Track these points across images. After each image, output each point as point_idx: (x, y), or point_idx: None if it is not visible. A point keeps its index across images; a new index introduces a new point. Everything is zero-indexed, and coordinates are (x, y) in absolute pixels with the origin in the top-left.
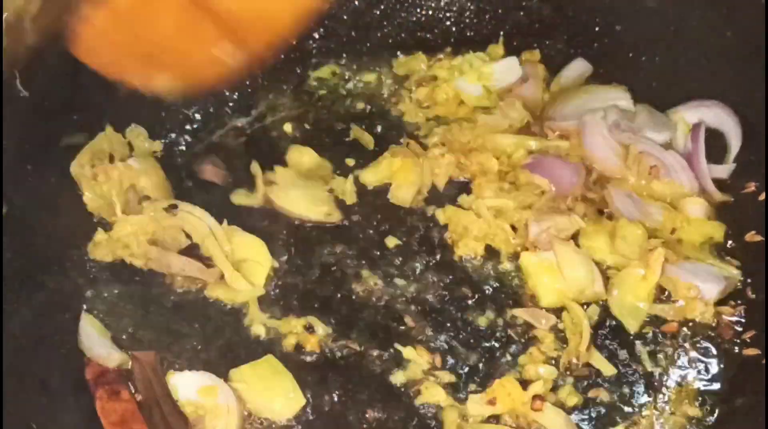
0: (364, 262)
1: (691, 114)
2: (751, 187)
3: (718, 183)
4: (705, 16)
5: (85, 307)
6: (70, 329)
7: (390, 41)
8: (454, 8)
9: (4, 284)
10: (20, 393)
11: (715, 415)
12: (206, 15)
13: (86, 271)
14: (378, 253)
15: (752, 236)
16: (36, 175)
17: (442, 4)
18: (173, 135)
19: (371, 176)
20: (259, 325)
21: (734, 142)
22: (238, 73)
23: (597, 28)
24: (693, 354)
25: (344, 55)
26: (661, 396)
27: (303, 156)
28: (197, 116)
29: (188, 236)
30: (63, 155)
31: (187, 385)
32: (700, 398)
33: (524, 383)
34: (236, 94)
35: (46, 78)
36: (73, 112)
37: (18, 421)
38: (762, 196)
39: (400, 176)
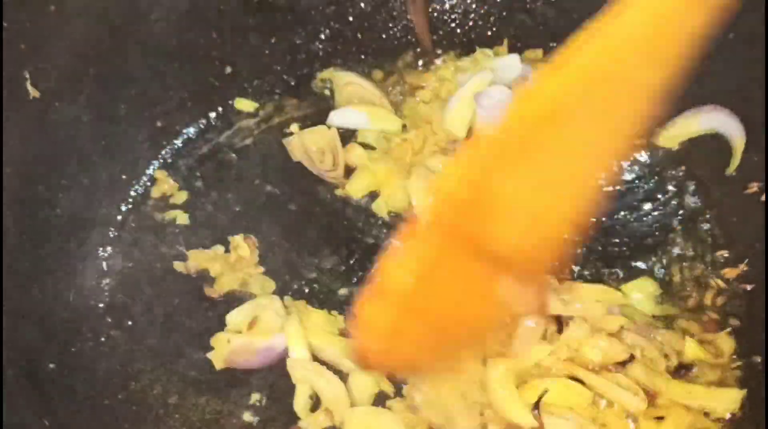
0: None
1: (694, 121)
2: (754, 187)
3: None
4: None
5: None
6: None
7: (395, 43)
8: (459, 11)
9: None
10: None
11: None
12: (492, 267)
13: None
14: None
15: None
16: None
17: (447, 6)
18: (181, 137)
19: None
20: None
21: (738, 145)
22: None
23: None
24: None
25: (350, 57)
26: None
27: None
28: (203, 119)
29: None
30: None
31: None
32: None
33: None
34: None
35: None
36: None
37: None
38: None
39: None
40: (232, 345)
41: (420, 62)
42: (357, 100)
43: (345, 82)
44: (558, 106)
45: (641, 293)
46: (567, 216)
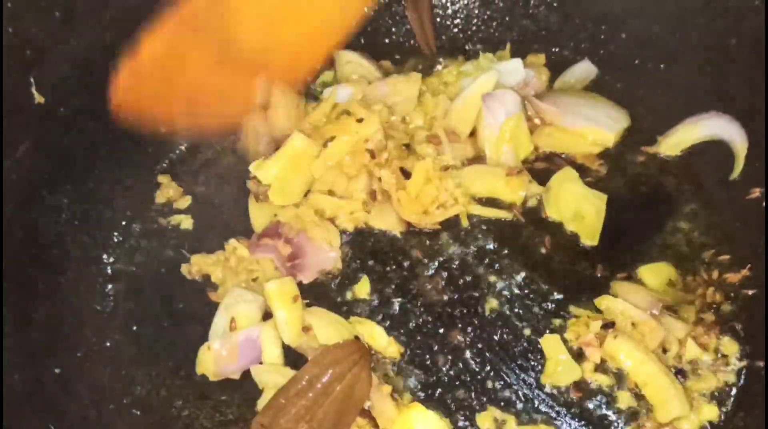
0: None
1: (697, 127)
2: (756, 192)
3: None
4: (709, 25)
5: None
6: None
7: (399, 47)
8: (462, 15)
9: None
10: None
11: None
12: (235, 60)
13: None
14: None
15: None
16: None
17: (450, 12)
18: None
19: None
20: None
21: (741, 150)
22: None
23: (603, 36)
24: None
25: None
26: None
27: None
28: None
29: None
30: None
31: None
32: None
33: None
34: None
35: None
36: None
37: None
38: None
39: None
40: (213, 351)
41: (420, 67)
42: (356, 76)
43: (345, 60)
44: None
45: (657, 278)
46: (312, 28)
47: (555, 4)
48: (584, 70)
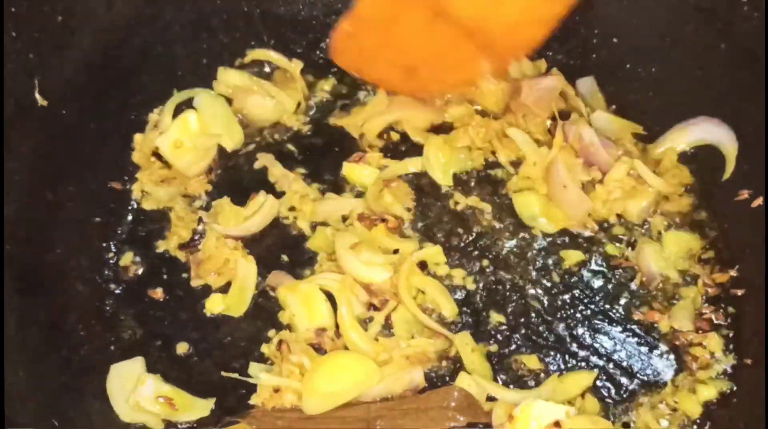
0: None
1: (687, 132)
2: (744, 194)
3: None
4: (699, 29)
5: None
6: None
7: None
8: None
9: None
10: None
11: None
12: (451, 25)
13: None
14: None
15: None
16: None
17: None
18: None
19: None
20: None
21: (731, 154)
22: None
23: (595, 40)
24: None
25: None
26: None
27: None
28: None
29: None
30: None
31: None
32: None
33: None
34: None
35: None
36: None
37: None
38: (755, 203)
39: None
40: None
41: None
42: None
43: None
44: None
45: (679, 247)
46: (529, 5)
47: None
48: (587, 86)
